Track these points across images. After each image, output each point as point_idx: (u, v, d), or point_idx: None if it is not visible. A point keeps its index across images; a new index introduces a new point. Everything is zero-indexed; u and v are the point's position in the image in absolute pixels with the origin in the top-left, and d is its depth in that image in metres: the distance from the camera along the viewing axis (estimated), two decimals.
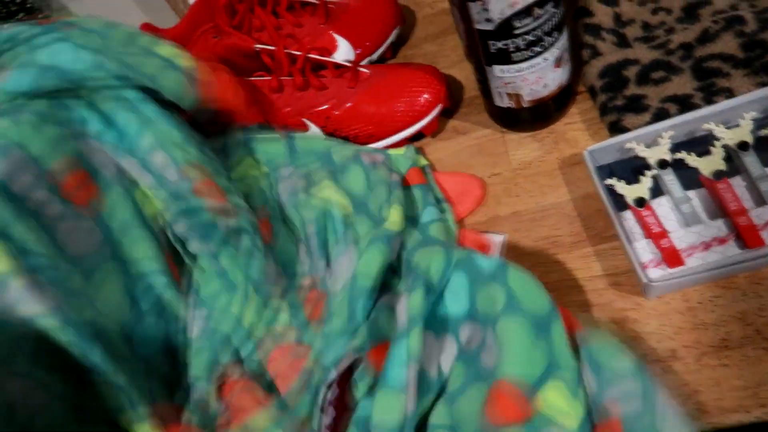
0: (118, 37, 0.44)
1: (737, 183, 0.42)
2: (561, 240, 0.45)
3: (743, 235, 0.39)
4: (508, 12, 0.42)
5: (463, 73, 0.60)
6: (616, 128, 0.47)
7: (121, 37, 0.44)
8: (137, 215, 0.42)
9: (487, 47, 0.45)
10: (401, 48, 0.65)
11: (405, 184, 0.50)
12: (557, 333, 0.35)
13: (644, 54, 0.50)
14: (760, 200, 0.40)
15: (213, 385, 0.42)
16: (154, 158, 0.42)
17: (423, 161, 0.53)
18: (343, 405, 0.36)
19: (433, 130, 0.55)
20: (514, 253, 0.46)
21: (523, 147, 0.52)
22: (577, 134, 0.51)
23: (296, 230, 0.48)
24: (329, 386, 0.36)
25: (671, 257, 0.40)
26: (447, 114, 0.57)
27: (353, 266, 0.43)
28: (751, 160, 0.41)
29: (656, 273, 0.40)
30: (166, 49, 0.46)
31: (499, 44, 0.44)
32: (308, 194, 0.49)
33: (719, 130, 0.43)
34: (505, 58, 0.45)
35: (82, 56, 0.40)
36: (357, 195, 0.49)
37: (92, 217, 0.39)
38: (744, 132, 0.42)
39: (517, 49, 0.44)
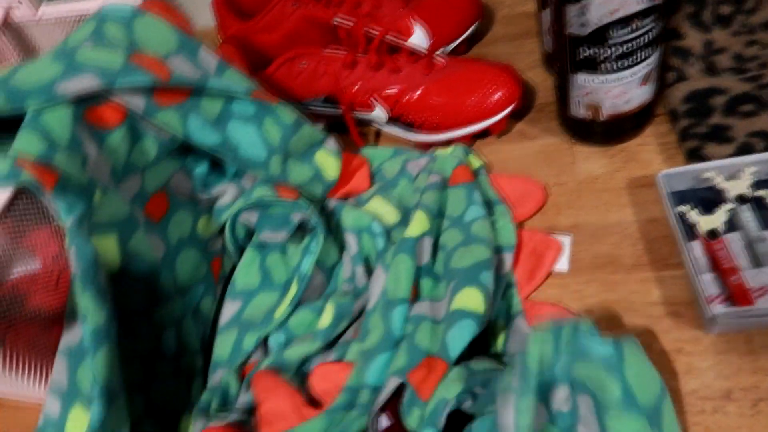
0: (301, 136, 0.47)
1: None
2: (621, 260, 0.44)
3: None
4: (607, 20, 0.40)
5: (538, 78, 0.58)
6: (695, 155, 0.46)
7: (301, 135, 0.48)
8: (192, 233, 0.46)
9: (575, 53, 0.44)
10: (476, 44, 0.64)
11: (450, 184, 0.48)
12: (668, 413, 0.33)
13: (734, 85, 0.48)
14: None
15: (234, 369, 0.42)
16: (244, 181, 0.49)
17: (476, 162, 0.51)
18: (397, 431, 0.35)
19: (501, 130, 0.53)
20: (571, 264, 0.45)
21: (592, 161, 0.50)
22: (650, 156, 0.49)
23: (341, 237, 0.48)
24: (377, 416, 0.35)
25: (740, 295, 0.38)
26: (516, 116, 0.55)
27: (382, 281, 0.42)
28: None
29: (721, 309, 0.38)
30: (322, 154, 0.49)
31: (589, 52, 0.43)
32: (357, 205, 0.49)
33: None
34: (592, 66, 0.44)
35: (259, 148, 0.45)
36: (406, 207, 0.48)
37: (160, 231, 0.43)
38: None
39: (607, 59, 0.43)
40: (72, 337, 0.37)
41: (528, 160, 0.52)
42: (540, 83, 0.58)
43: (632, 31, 0.41)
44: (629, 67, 0.44)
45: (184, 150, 0.46)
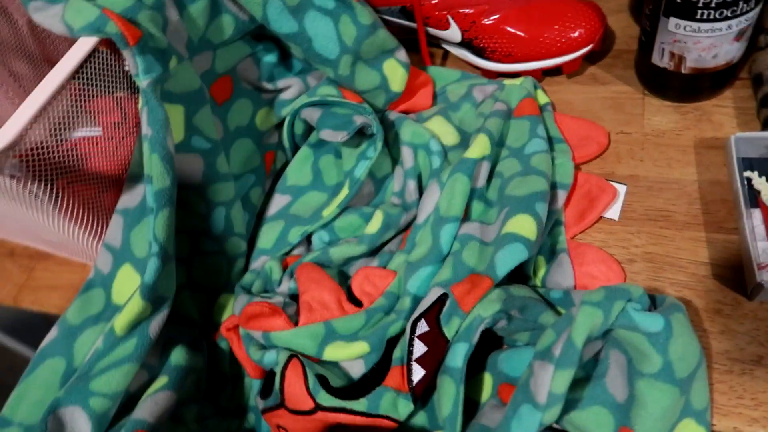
0: (374, 40, 0.46)
1: None
2: (674, 217, 0.43)
3: None
4: None
5: (620, 24, 0.56)
6: None
7: (375, 39, 0.46)
8: (251, 122, 0.46)
9: None
10: None
11: (515, 115, 0.47)
12: (700, 379, 0.34)
13: None
14: None
15: (278, 258, 0.43)
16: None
17: (543, 98, 0.50)
18: (433, 338, 0.36)
19: (573, 70, 0.52)
20: (622, 214, 0.44)
21: (662, 114, 0.49)
22: (724, 119, 0.47)
23: (395, 151, 0.48)
24: (416, 321, 0.36)
25: None
26: (590, 59, 0.54)
27: (436, 197, 0.42)
28: None
29: None
30: (391, 63, 0.48)
31: None
32: (416, 121, 0.48)
33: None
34: (687, 12, 0.42)
35: (332, 44, 0.44)
36: (466, 131, 0.47)
37: (221, 114, 0.43)
38: None
39: (706, 5, 0.41)
40: (131, 198, 0.39)
41: (596, 105, 0.51)
42: (622, 29, 0.56)
43: None
44: (727, 18, 0.41)
45: (256, 37, 0.46)
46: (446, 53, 0.58)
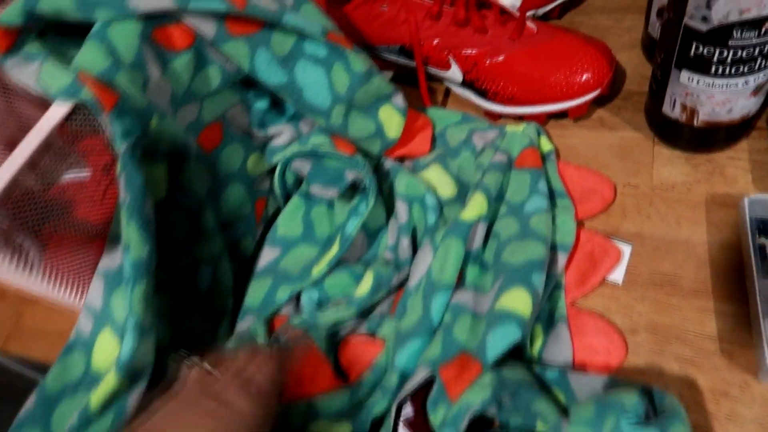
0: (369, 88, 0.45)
1: None
2: (681, 282, 0.41)
3: None
4: (734, 17, 0.35)
5: (631, 61, 0.53)
6: None
7: (370, 87, 0.45)
8: (241, 169, 0.44)
9: (687, 47, 0.39)
10: (570, 11, 0.58)
11: (516, 165, 0.45)
12: None
13: None
14: None
15: (264, 318, 0.42)
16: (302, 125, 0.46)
17: (547, 145, 0.48)
18: (418, 426, 0.34)
19: (580, 115, 0.49)
20: (626, 277, 0.42)
21: (672, 166, 0.46)
22: (738, 173, 0.45)
23: (391, 201, 0.46)
24: (401, 404, 0.34)
25: None
26: (599, 101, 0.51)
27: (429, 260, 0.40)
28: None
29: None
30: (387, 109, 0.46)
31: (704, 50, 0.38)
32: (412, 171, 0.46)
33: None
34: (701, 66, 0.39)
35: (324, 94, 0.42)
36: (464, 181, 0.45)
37: (210, 162, 0.42)
38: None
39: (722, 61, 0.38)
40: (111, 261, 0.37)
41: (602, 152, 0.48)
42: (633, 67, 0.53)
43: (760, 35, 0.36)
44: (744, 74, 0.39)
45: (246, 83, 0.44)
46: (449, 90, 0.56)
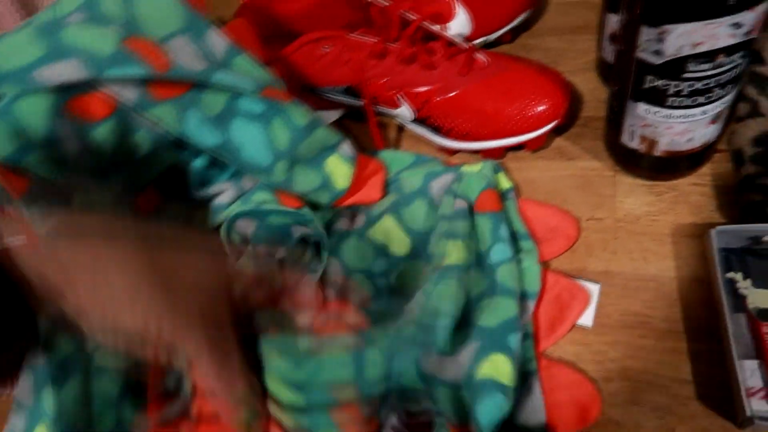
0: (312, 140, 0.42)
1: None
2: (653, 323, 0.39)
3: None
4: (687, 51, 0.34)
5: (587, 85, 0.52)
6: (754, 211, 0.40)
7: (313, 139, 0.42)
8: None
9: (641, 81, 0.37)
10: (522, 34, 0.57)
11: (476, 209, 0.43)
12: None
13: None
14: None
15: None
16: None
17: (505, 183, 0.45)
18: None
19: (538, 146, 0.48)
20: (596, 319, 0.40)
21: (635, 196, 0.45)
22: (703, 200, 0.43)
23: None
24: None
25: None
26: (556, 130, 0.49)
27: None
28: None
29: (762, 407, 0.34)
30: (333, 160, 0.43)
31: (658, 83, 0.37)
32: (362, 235, 0.44)
33: None
34: (657, 98, 0.38)
35: (264, 151, 0.39)
36: (419, 233, 0.43)
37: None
38: None
39: (678, 93, 0.37)
40: (38, 357, 0.34)
41: (563, 185, 0.47)
42: (589, 92, 0.51)
43: (714, 67, 0.35)
44: (701, 105, 0.37)
45: (181, 142, 0.41)
46: (402, 125, 0.53)
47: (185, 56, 0.36)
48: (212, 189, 0.43)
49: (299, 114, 0.40)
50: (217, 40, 0.38)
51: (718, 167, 0.44)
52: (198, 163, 0.42)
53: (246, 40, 0.46)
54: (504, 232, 0.41)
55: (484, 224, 0.41)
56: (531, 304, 0.39)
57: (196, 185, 0.42)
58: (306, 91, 0.48)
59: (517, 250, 0.41)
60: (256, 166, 0.39)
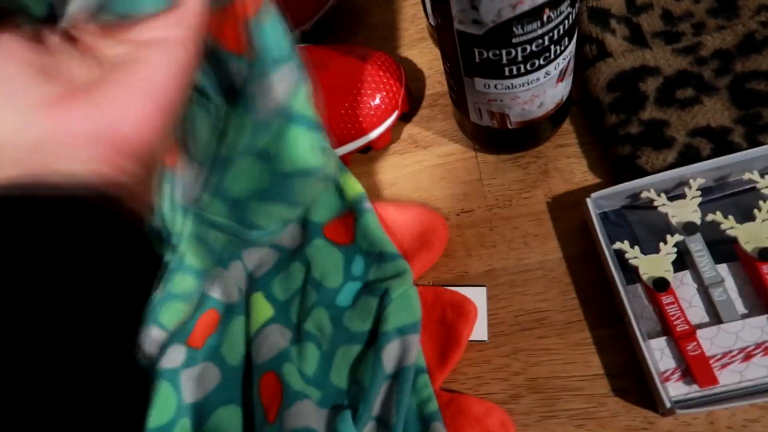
0: None
1: None
2: (550, 317, 0.35)
3: None
4: (508, 14, 0.28)
5: (425, 57, 0.46)
6: (625, 165, 0.36)
7: None
8: None
9: (470, 55, 0.32)
10: (343, 13, 0.49)
11: (326, 235, 0.37)
12: None
13: (666, 59, 0.38)
14: None
15: None
16: None
17: (355, 188, 0.38)
18: None
19: (386, 143, 0.41)
20: (490, 331, 0.35)
21: (502, 174, 0.40)
22: (572, 163, 0.39)
23: None
24: None
25: (702, 372, 0.30)
26: (404, 117, 0.43)
27: None
28: None
29: (680, 390, 0.30)
30: None
31: (488, 54, 0.31)
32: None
33: (766, 184, 0.32)
34: (493, 71, 0.32)
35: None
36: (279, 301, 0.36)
37: None
38: None
39: (513, 61, 0.31)
40: None
41: (423, 177, 0.41)
42: (428, 64, 0.45)
43: (544, 24, 0.29)
44: (542, 67, 0.32)
45: None
46: None
47: None
48: None
49: None
50: None
51: (579, 122, 0.40)
52: None
53: None
54: (357, 267, 0.35)
55: (335, 257, 0.35)
56: (415, 339, 0.34)
57: None
58: None
59: (382, 276, 0.35)
60: None
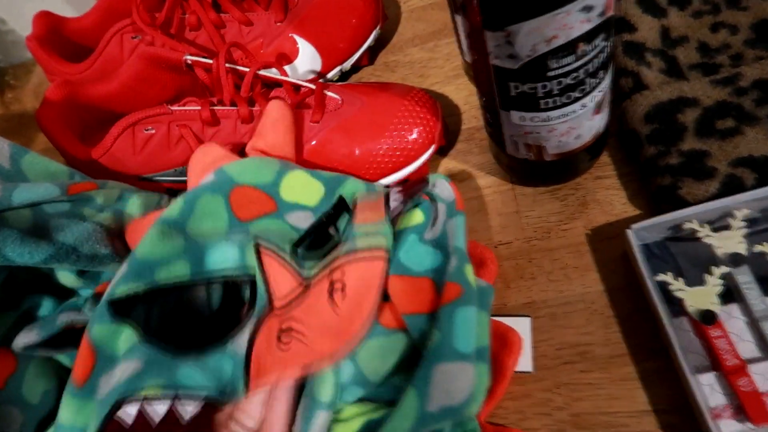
0: None
1: None
2: (593, 351, 0.34)
3: None
4: (543, 48, 0.29)
5: (461, 93, 0.47)
6: (666, 196, 0.35)
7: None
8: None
9: (506, 89, 0.32)
10: (380, 53, 0.51)
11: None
12: None
13: (705, 91, 0.38)
14: None
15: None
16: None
17: (418, 217, 0.35)
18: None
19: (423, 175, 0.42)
20: (533, 361, 0.35)
21: (540, 206, 0.40)
22: (611, 194, 0.39)
23: None
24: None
25: (755, 408, 0.29)
26: (440, 151, 0.44)
27: None
28: None
29: (733, 427, 0.29)
30: None
31: (524, 87, 0.31)
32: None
33: None
34: (529, 104, 0.33)
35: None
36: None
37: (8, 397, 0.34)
38: None
39: (548, 94, 0.32)
40: None
41: None
42: (464, 100, 0.46)
43: (579, 58, 0.30)
44: (578, 99, 0.32)
45: (10, 295, 0.34)
46: None
47: None
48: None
49: (107, 195, 0.34)
50: None
51: (617, 153, 0.40)
52: (45, 309, 0.35)
53: (57, 141, 0.39)
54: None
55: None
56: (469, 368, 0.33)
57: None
58: (143, 180, 0.41)
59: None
60: (101, 255, 0.33)
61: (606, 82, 0.33)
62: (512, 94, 0.32)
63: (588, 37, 0.29)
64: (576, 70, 0.30)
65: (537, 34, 0.28)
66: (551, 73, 0.30)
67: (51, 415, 0.34)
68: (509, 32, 0.28)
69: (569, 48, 0.29)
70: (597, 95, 0.33)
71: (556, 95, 0.32)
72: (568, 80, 0.31)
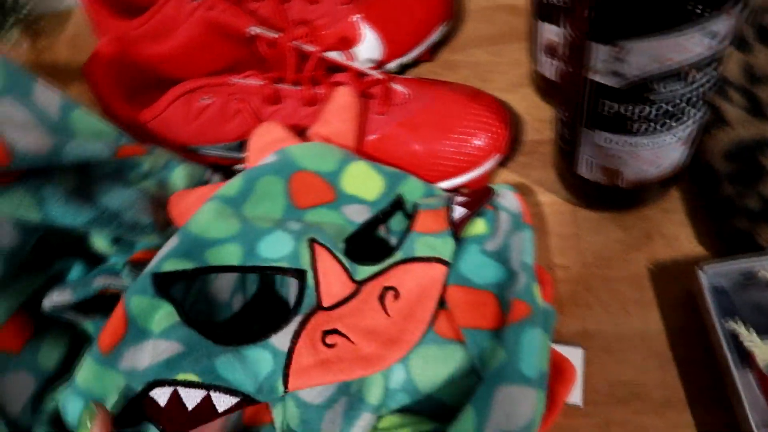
0: None
1: None
2: (648, 392, 0.32)
3: None
4: (654, 70, 0.27)
5: (524, 103, 0.45)
6: (742, 241, 0.34)
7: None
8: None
9: (597, 106, 0.30)
10: (442, 50, 0.49)
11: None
12: None
13: None
14: None
15: None
16: None
17: (481, 227, 0.33)
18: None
19: (482, 185, 0.40)
20: (584, 394, 0.33)
21: (602, 232, 0.38)
22: (679, 230, 0.37)
23: None
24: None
25: None
26: (500, 162, 0.42)
27: None
28: None
29: None
30: None
31: (620, 108, 0.30)
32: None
33: None
34: (620, 125, 0.31)
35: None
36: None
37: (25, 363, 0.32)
38: None
39: (644, 119, 0.30)
40: None
41: None
42: (528, 111, 0.44)
43: (686, 85, 0.28)
44: (671, 129, 0.31)
45: (41, 257, 0.32)
46: None
47: (18, 132, 0.27)
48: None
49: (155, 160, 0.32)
50: (48, 96, 0.30)
51: (688, 187, 0.38)
52: (75, 273, 0.33)
53: (103, 99, 0.36)
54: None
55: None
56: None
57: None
58: (188, 151, 0.39)
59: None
60: (143, 224, 0.31)
61: (701, 114, 0.31)
62: (604, 113, 0.30)
63: (702, 64, 0.27)
64: (679, 96, 0.29)
65: (652, 54, 0.26)
66: (654, 97, 0.28)
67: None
68: (621, 48, 0.26)
69: (680, 73, 0.27)
70: (690, 126, 0.31)
71: (651, 120, 0.30)
72: (668, 107, 0.29)
